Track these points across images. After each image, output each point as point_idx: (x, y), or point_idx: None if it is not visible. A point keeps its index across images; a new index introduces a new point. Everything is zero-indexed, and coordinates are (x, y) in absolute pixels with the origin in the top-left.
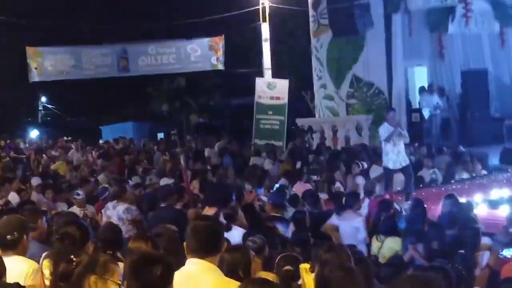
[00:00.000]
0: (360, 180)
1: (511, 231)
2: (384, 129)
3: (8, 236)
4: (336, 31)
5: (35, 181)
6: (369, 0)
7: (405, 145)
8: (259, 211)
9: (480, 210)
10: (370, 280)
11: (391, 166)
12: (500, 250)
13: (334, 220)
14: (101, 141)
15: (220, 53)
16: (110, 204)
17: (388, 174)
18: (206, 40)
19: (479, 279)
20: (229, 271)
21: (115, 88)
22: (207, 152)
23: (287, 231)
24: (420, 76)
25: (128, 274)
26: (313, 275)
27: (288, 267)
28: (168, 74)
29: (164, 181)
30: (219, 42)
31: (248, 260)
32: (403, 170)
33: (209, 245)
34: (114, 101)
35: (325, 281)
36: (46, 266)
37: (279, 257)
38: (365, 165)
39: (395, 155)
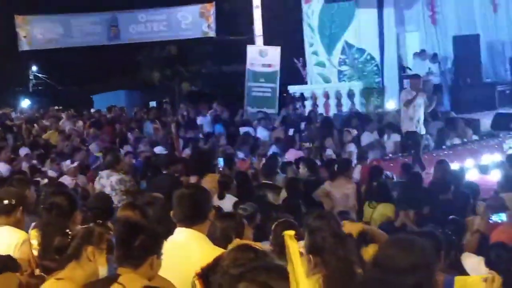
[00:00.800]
0: (352, 147)
1: (501, 196)
2: (405, 94)
3: (5, 201)
4: None
5: (23, 151)
6: None
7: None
8: (251, 179)
9: (471, 175)
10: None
11: (418, 130)
12: (490, 215)
13: (326, 186)
14: (92, 110)
15: (211, 20)
16: (103, 173)
17: (417, 138)
18: (197, 7)
19: (469, 243)
20: (222, 239)
21: (106, 57)
22: (199, 120)
23: (278, 198)
24: (412, 42)
25: (115, 243)
26: (299, 242)
27: (286, 232)
28: (159, 42)
29: (158, 150)
30: (210, 9)
31: (241, 227)
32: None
33: (194, 213)
34: (105, 70)
35: (315, 248)
36: (34, 236)
37: (275, 223)
38: (355, 132)
39: (416, 121)
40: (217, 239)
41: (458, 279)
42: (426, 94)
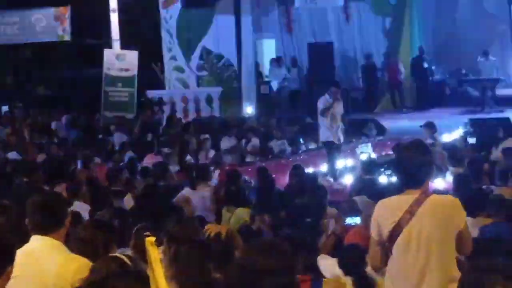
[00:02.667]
0: (210, 153)
1: (354, 199)
2: (322, 102)
3: None
4: (186, 2)
5: None
6: None
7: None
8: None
9: (326, 179)
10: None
11: (335, 140)
12: (344, 218)
13: (186, 192)
14: None
15: (67, 23)
16: None
17: (331, 149)
18: (51, 10)
19: (324, 246)
20: (86, 247)
21: None
22: (54, 125)
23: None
24: (269, 48)
25: None
26: (160, 248)
27: (148, 234)
28: (13, 45)
29: (12, 156)
30: (65, 12)
31: (103, 235)
32: (338, 146)
33: (48, 220)
34: None
35: (173, 254)
36: None
37: (135, 229)
38: (214, 137)
39: (335, 130)
40: (78, 247)
41: (327, 282)
42: (283, 100)
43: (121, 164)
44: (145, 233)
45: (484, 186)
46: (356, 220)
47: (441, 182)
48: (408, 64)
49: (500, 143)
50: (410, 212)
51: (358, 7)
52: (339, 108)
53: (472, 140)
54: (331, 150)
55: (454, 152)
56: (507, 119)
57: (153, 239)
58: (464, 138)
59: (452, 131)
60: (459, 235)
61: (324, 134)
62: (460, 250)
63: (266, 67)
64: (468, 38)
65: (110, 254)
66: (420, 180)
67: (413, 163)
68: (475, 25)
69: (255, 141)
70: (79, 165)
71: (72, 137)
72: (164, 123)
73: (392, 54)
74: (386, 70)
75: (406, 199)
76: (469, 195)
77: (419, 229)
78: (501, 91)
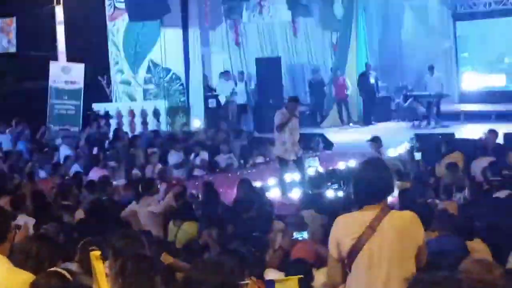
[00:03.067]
0: (157, 166)
1: (302, 214)
2: (279, 117)
3: None
4: (133, 15)
5: None
6: None
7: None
8: (54, 197)
9: (274, 194)
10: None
11: (286, 156)
12: (292, 233)
13: (133, 206)
14: None
15: (12, 35)
16: None
17: (283, 164)
18: None
19: (272, 260)
20: (30, 261)
21: None
22: None
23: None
24: (217, 62)
25: None
26: (106, 262)
27: (93, 248)
28: None
29: None
30: (11, 24)
31: (47, 249)
32: (297, 161)
33: None
34: None
35: (120, 269)
36: None
37: (81, 243)
38: (161, 151)
39: (291, 145)
40: (27, 261)
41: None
42: (230, 114)
43: (66, 177)
44: (90, 248)
45: (429, 200)
46: (304, 234)
47: None
48: (355, 80)
49: (444, 157)
50: (371, 228)
51: (306, 22)
52: (296, 123)
53: (417, 155)
54: (283, 165)
55: (400, 167)
56: (452, 134)
57: (98, 253)
58: (410, 153)
59: (398, 146)
60: (419, 250)
61: (278, 149)
62: (418, 264)
63: (214, 81)
64: (413, 54)
65: (51, 269)
66: (380, 196)
67: (372, 179)
68: (421, 41)
69: (203, 155)
70: (24, 178)
71: (17, 150)
72: (110, 136)
73: (339, 69)
74: (333, 85)
75: (366, 215)
76: (415, 209)
77: (380, 244)
78: (446, 107)
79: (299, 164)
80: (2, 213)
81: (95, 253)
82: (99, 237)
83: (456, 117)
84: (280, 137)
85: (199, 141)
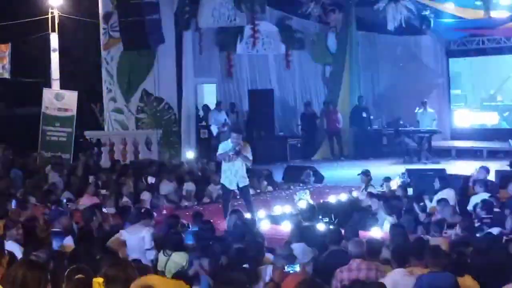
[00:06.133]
0: (146, 196)
1: (292, 247)
2: (222, 147)
3: None
4: (127, 44)
5: None
6: (161, 15)
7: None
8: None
9: (264, 225)
10: None
11: (227, 184)
12: (283, 265)
13: (122, 234)
14: None
15: (6, 61)
16: None
17: (225, 192)
18: None
19: None
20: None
21: None
22: None
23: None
24: (210, 93)
25: None
26: None
27: (79, 276)
28: None
29: None
30: (6, 50)
31: (36, 276)
32: (241, 190)
33: None
34: None
35: None
36: None
37: (68, 270)
38: (153, 180)
39: (233, 175)
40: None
41: None
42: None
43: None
44: (76, 276)
45: (420, 236)
46: (295, 267)
47: (378, 231)
48: (347, 113)
49: (435, 193)
50: None
51: (299, 55)
52: (242, 151)
53: (408, 190)
54: (224, 193)
55: (391, 202)
56: (443, 170)
57: (101, 280)
58: (403, 188)
59: (389, 181)
60: None
61: (222, 176)
62: None
63: (205, 112)
64: (406, 89)
65: None
66: None
67: None
68: (414, 77)
69: (191, 185)
70: (13, 204)
71: (11, 176)
72: (102, 164)
73: (332, 102)
74: (325, 118)
75: None
76: (405, 244)
77: None
78: (437, 143)
79: (243, 194)
80: None
81: (97, 279)
82: (85, 264)
83: (447, 153)
84: (223, 166)
85: (189, 171)
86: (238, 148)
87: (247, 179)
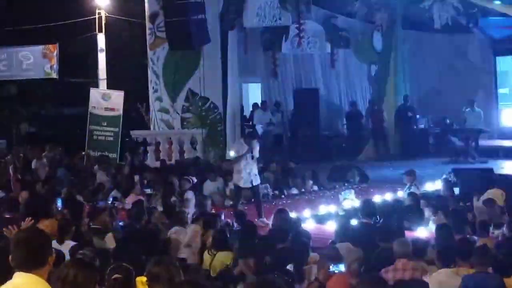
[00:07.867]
0: (190, 195)
1: (337, 246)
2: (237, 148)
3: None
4: (173, 44)
5: None
6: (206, 15)
7: None
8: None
9: (308, 225)
10: None
11: (241, 184)
12: (328, 265)
13: (171, 232)
14: None
15: (54, 61)
16: None
17: (238, 191)
18: (40, 48)
19: None
20: (68, 286)
21: None
22: (34, 163)
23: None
24: (255, 92)
25: None
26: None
27: (116, 276)
28: None
29: None
30: (54, 50)
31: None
32: (252, 189)
33: (32, 257)
34: None
35: None
36: None
37: (109, 268)
38: (195, 180)
39: (247, 174)
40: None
41: None
42: (267, 144)
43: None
44: (114, 276)
45: (466, 236)
46: (340, 267)
47: (424, 231)
48: (393, 112)
49: (482, 193)
50: None
51: (345, 54)
52: (255, 152)
53: (455, 190)
54: (238, 192)
55: (437, 202)
56: (491, 169)
57: (144, 278)
58: (450, 188)
59: (435, 181)
60: None
61: (235, 177)
62: None
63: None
64: (453, 88)
65: None
66: None
67: None
68: (460, 75)
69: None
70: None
71: (58, 176)
72: (148, 163)
73: (377, 101)
74: (370, 117)
75: None
76: (451, 245)
77: None
78: (484, 142)
79: (255, 192)
80: (44, 237)
81: (141, 278)
82: (130, 263)
83: (494, 152)
84: (236, 166)
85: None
86: (254, 153)
87: (259, 178)
